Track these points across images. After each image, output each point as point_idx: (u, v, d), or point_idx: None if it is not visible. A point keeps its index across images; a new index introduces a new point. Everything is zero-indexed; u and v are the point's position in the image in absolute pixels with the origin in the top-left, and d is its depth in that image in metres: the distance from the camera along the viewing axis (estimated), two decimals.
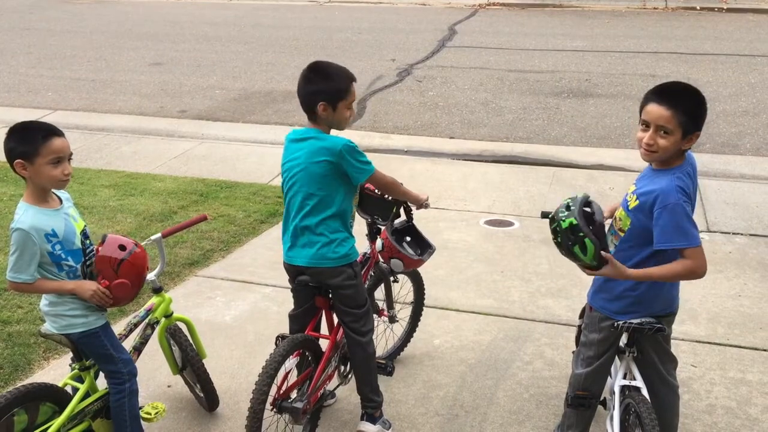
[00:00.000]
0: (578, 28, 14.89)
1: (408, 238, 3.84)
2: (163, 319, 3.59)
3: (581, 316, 3.55)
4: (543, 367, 4.19)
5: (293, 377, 3.36)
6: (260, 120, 9.39)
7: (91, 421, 3.22)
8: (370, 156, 3.37)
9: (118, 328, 3.43)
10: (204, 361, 3.74)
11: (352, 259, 3.39)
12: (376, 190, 3.65)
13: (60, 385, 3.23)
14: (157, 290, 3.56)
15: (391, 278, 4.04)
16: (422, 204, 3.69)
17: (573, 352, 3.53)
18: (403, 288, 4.22)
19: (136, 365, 3.31)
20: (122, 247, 3.11)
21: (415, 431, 3.69)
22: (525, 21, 16.01)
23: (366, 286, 3.66)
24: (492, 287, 5.14)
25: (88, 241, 3.13)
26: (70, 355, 3.30)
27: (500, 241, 5.91)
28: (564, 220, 2.77)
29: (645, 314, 2.96)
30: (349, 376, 3.76)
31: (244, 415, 3.20)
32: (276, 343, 3.44)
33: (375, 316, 3.76)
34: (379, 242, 3.75)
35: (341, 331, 3.58)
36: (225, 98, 10.41)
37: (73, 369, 3.27)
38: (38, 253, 2.91)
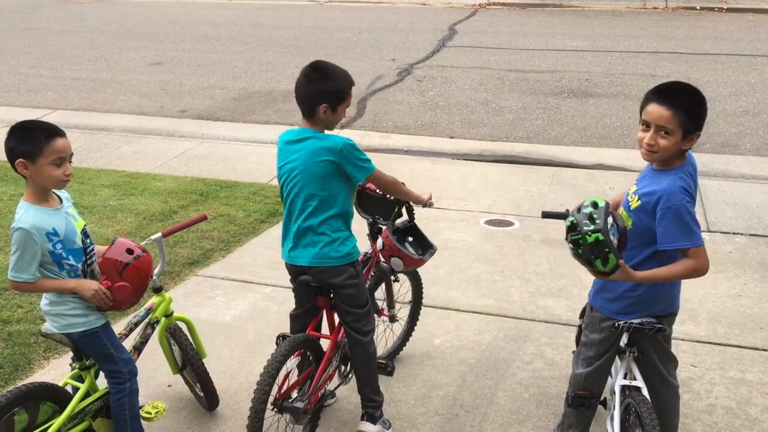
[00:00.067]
0: (578, 28, 14.90)
1: (410, 238, 3.84)
2: (163, 319, 3.60)
3: (581, 315, 3.55)
4: (543, 367, 4.19)
5: (294, 377, 3.36)
6: (260, 120, 9.39)
7: (92, 421, 3.22)
8: (370, 156, 3.37)
9: (118, 327, 3.43)
10: (204, 360, 3.74)
11: (354, 258, 3.39)
12: (378, 190, 3.65)
13: (60, 384, 3.23)
14: (158, 290, 3.56)
15: (392, 278, 4.05)
16: (426, 203, 3.70)
17: (573, 351, 3.53)
18: (401, 287, 4.22)
19: (137, 365, 3.31)
20: (130, 251, 3.12)
21: (416, 431, 3.69)
22: (525, 21, 16.01)
23: (366, 285, 3.66)
24: (492, 287, 5.14)
25: (88, 240, 3.13)
26: (71, 354, 3.31)
27: (500, 240, 5.91)
28: (590, 235, 2.70)
29: (646, 314, 2.96)
30: (350, 375, 3.76)
31: (244, 414, 3.21)
32: (277, 343, 3.44)
33: (375, 315, 3.76)
34: (379, 241, 3.75)
35: (342, 331, 3.57)
36: (225, 98, 10.41)
37: (73, 368, 3.28)
38: (39, 253, 2.91)
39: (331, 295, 3.48)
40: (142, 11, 18.50)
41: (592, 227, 2.70)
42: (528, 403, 3.88)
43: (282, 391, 3.26)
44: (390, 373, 3.78)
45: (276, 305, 4.88)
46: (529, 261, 5.53)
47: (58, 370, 4.11)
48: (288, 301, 3.68)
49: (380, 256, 3.82)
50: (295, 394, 3.40)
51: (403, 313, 4.29)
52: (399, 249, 3.71)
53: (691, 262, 2.82)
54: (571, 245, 2.79)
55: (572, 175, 7.30)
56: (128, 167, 7.79)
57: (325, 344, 3.56)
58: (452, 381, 4.08)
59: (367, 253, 3.77)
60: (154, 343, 3.60)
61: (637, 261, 2.91)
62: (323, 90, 3.21)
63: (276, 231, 5.90)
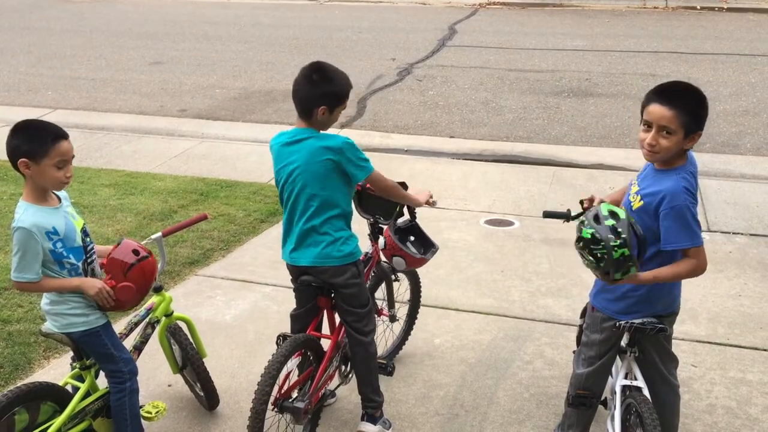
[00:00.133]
0: (578, 28, 14.89)
1: (412, 238, 3.84)
2: (163, 318, 3.59)
3: (582, 315, 3.55)
4: (543, 367, 4.19)
5: (295, 377, 3.36)
6: (260, 119, 9.39)
7: (92, 420, 3.22)
8: (369, 155, 3.37)
9: (118, 327, 3.42)
10: (204, 360, 3.74)
11: (357, 257, 3.38)
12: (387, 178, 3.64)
13: (61, 384, 3.23)
14: (158, 289, 3.55)
15: (393, 277, 4.05)
16: (425, 204, 3.70)
17: (574, 351, 3.53)
18: (400, 287, 4.21)
19: (137, 364, 3.31)
20: (136, 252, 3.13)
21: (416, 431, 3.69)
22: (525, 20, 16.00)
23: (367, 285, 3.65)
24: (492, 287, 5.14)
25: (88, 239, 3.13)
26: (71, 354, 3.31)
27: (500, 240, 5.91)
28: (616, 250, 2.65)
29: (647, 314, 2.96)
30: (350, 376, 3.76)
31: (244, 414, 3.21)
32: (277, 343, 3.44)
33: (374, 315, 3.76)
34: (381, 240, 3.74)
35: (343, 331, 3.57)
36: (225, 97, 10.41)
37: (73, 368, 3.28)
38: (41, 252, 2.91)
39: (332, 295, 3.48)
40: (142, 11, 18.50)
41: (618, 242, 2.65)
42: (528, 403, 3.88)
43: (282, 391, 3.26)
44: (390, 373, 3.78)
45: (276, 305, 4.88)
46: (529, 261, 5.53)
47: (58, 370, 4.11)
48: (288, 301, 3.68)
49: (382, 255, 3.82)
50: (295, 394, 3.39)
51: (401, 312, 4.28)
52: (401, 248, 3.71)
53: (692, 262, 2.83)
54: (590, 258, 2.73)
55: (572, 174, 7.30)
56: (128, 167, 7.79)
57: (325, 344, 3.56)
58: (452, 381, 4.08)
59: (367, 252, 3.76)
60: (154, 343, 3.60)
61: None
62: (324, 92, 3.20)
63: (276, 230, 5.90)
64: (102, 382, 3.27)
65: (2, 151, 3.01)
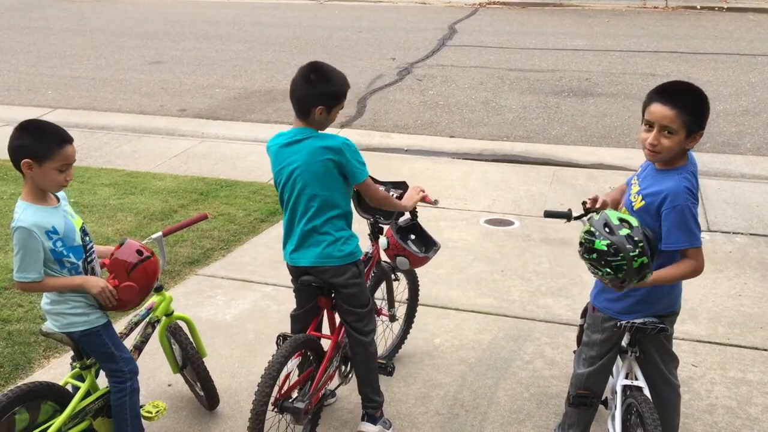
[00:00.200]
0: (578, 27, 14.89)
1: (412, 236, 3.83)
2: (163, 318, 3.59)
3: (583, 315, 3.55)
4: (543, 367, 4.19)
5: (294, 377, 3.36)
6: (260, 119, 9.39)
7: (92, 420, 3.22)
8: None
9: (119, 326, 3.42)
10: (204, 359, 3.74)
11: (357, 257, 3.38)
12: (379, 189, 3.64)
13: (61, 383, 3.23)
14: (158, 289, 3.55)
15: (392, 277, 4.04)
16: (428, 201, 3.70)
17: (574, 351, 3.54)
18: (398, 286, 4.20)
19: (137, 364, 3.31)
20: (139, 253, 3.13)
21: (416, 430, 3.69)
22: (525, 20, 16.00)
23: (367, 285, 3.65)
24: (492, 286, 5.14)
25: (87, 238, 3.13)
26: (71, 353, 3.31)
27: (500, 240, 5.91)
28: (636, 260, 2.62)
29: (648, 314, 2.96)
30: (350, 376, 3.76)
31: (244, 413, 3.21)
32: (277, 343, 3.43)
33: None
34: (384, 240, 3.73)
35: (343, 331, 3.57)
36: (225, 97, 10.41)
37: (73, 368, 3.28)
38: (42, 250, 2.91)
39: (332, 295, 3.48)
40: (142, 10, 18.49)
41: (637, 251, 2.62)
42: (528, 403, 3.87)
43: (282, 391, 3.25)
44: (390, 373, 3.78)
45: (276, 304, 4.88)
46: (529, 260, 5.53)
47: (58, 370, 4.11)
48: (288, 300, 3.68)
49: (384, 255, 3.81)
50: (295, 394, 3.39)
51: (399, 312, 4.28)
52: (405, 248, 3.70)
53: (691, 263, 2.83)
54: (606, 270, 2.67)
55: (572, 174, 7.30)
56: (128, 166, 7.78)
57: (325, 344, 3.55)
58: (452, 380, 4.08)
59: (368, 252, 3.76)
60: (154, 343, 3.60)
61: None
62: (322, 92, 3.19)
63: (276, 230, 5.90)
64: (102, 381, 3.26)
65: (2, 151, 3.00)
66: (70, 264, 3.01)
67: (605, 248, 2.66)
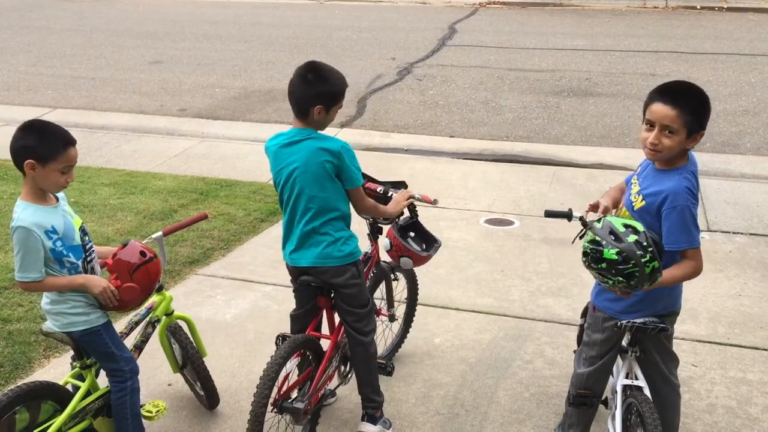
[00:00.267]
0: (578, 27, 14.89)
1: (412, 234, 3.83)
2: (163, 318, 3.59)
3: (583, 315, 3.55)
4: (543, 366, 4.19)
5: (294, 377, 3.35)
6: (260, 119, 9.38)
7: (93, 420, 3.22)
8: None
9: (119, 326, 3.42)
10: (204, 359, 3.74)
11: (356, 257, 3.38)
12: (378, 189, 3.65)
13: (61, 383, 3.23)
14: (158, 289, 3.55)
15: (392, 277, 4.04)
16: (428, 201, 3.70)
17: (574, 351, 3.54)
18: (397, 286, 4.20)
19: (137, 363, 3.30)
20: (143, 254, 3.14)
21: (416, 430, 3.69)
22: (525, 20, 16.00)
23: (366, 285, 3.65)
24: (492, 286, 5.14)
25: (87, 238, 3.13)
26: (71, 353, 3.31)
27: (500, 240, 5.91)
28: (648, 266, 2.60)
29: (648, 314, 2.96)
30: (349, 376, 3.75)
31: (244, 413, 3.21)
32: (276, 344, 3.43)
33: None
34: (387, 242, 3.72)
35: (342, 331, 3.57)
36: (225, 97, 10.41)
37: (74, 367, 3.27)
38: (42, 249, 2.90)
39: (332, 295, 3.48)
40: (142, 10, 18.49)
41: (648, 256, 2.60)
42: (528, 403, 3.88)
43: (282, 391, 3.25)
44: (390, 373, 3.78)
45: (276, 304, 4.88)
46: (529, 260, 5.53)
47: (58, 369, 4.11)
48: (288, 300, 3.68)
49: (387, 256, 3.80)
50: (294, 395, 3.39)
51: (399, 312, 4.28)
52: (408, 249, 3.70)
53: (690, 263, 2.83)
54: (618, 278, 2.64)
55: (572, 174, 7.30)
56: (128, 166, 7.78)
57: (325, 344, 3.55)
58: (453, 380, 4.08)
59: (367, 252, 3.76)
60: (154, 342, 3.60)
61: None
62: (320, 91, 3.19)
63: (276, 230, 5.90)
64: (102, 381, 3.26)
65: (1, 151, 3.00)
66: (70, 264, 3.01)
67: (615, 257, 2.61)
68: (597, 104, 9.60)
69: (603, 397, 3.31)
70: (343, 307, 3.46)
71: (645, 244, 2.61)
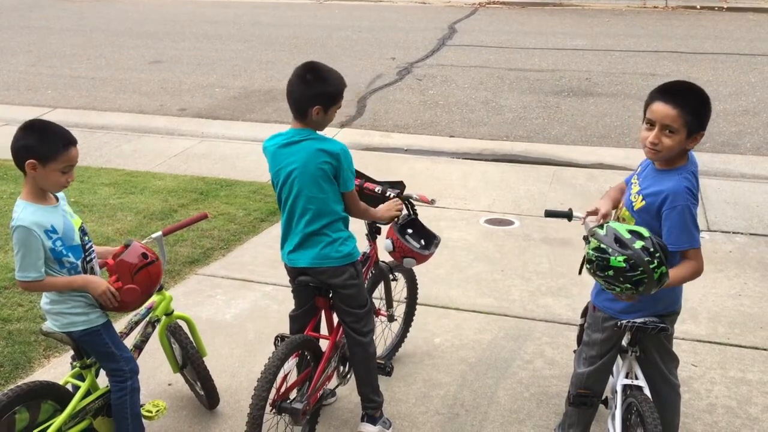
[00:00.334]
0: (578, 27, 14.89)
1: (410, 231, 3.82)
2: (163, 317, 3.59)
3: (583, 314, 3.55)
4: (543, 366, 4.19)
5: (293, 377, 3.35)
6: (260, 118, 9.38)
7: (93, 420, 3.22)
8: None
9: (119, 326, 3.42)
10: (204, 359, 3.74)
11: (355, 258, 3.38)
12: (377, 189, 3.64)
13: (61, 383, 3.22)
14: (158, 288, 3.55)
15: (390, 277, 4.04)
16: (426, 201, 3.70)
17: (574, 351, 3.53)
18: (396, 285, 4.20)
19: (137, 363, 3.30)
20: (144, 256, 3.14)
21: (416, 430, 3.69)
22: (525, 20, 16.00)
23: (365, 285, 3.64)
24: (492, 286, 5.14)
25: (86, 238, 3.12)
26: (71, 353, 3.31)
27: (500, 240, 5.91)
28: (656, 271, 2.58)
29: (648, 313, 2.96)
30: (348, 376, 3.75)
31: (244, 413, 3.20)
32: (275, 344, 3.43)
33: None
34: (389, 243, 3.71)
35: (341, 331, 3.57)
36: (225, 96, 10.41)
37: (74, 367, 3.27)
38: (42, 248, 2.90)
39: (330, 296, 3.48)
40: (142, 10, 18.49)
41: (655, 262, 2.58)
42: (528, 402, 3.87)
43: (280, 392, 3.25)
44: (389, 374, 3.78)
45: (276, 304, 4.88)
46: (529, 260, 5.53)
47: (58, 369, 4.11)
48: (288, 300, 3.68)
49: (383, 256, 3.80)
50: (293, 395, 3.39)
51: (398, 312, 4.27)
52: (411, 249, 3.69)
53: (691, 264, 2.83)
54: (626, 285, 2.61)
55: (572, 174, 7.30)
56: (128, 166, 7.78)
57: (323, 345, 3.55)
58: (452, 380, 4.08)
59: (365, 253, 3.76)
60: (154, 342, 3.60)
61: None
62: (318, 92, 3.18)
63: (276, 230, 5.89)
64: (102, 381, 3.26)
65: (2, 151, 3.00)
66: (70, 264, 3.01)
67: (623, 264, 2.58)
68: (597, 104, 9.60)
69: (603, 397, 3.31)
70: (341, 308, 3.45)
71: (652, 249, 2.59)
